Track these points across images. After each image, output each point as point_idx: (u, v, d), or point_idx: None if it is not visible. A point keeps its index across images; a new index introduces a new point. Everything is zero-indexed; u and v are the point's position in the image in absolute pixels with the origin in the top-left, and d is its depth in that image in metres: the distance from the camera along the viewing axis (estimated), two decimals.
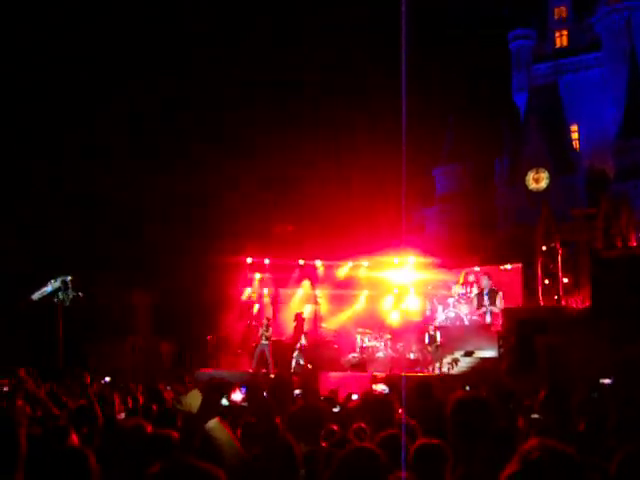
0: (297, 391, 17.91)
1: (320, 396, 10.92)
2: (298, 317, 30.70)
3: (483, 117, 59.80)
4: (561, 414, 6.00)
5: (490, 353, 28.08)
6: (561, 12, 64.31)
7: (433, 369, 28.11)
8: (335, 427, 6.78)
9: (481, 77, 61.14)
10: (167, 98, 59.34)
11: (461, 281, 34.12)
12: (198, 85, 61.98)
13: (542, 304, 31.71)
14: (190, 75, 61.70)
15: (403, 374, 26.20)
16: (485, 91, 62.20)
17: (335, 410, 8.97)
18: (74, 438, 5.62)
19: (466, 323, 32.27)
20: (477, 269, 34.09)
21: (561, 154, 53.72)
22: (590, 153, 56.63)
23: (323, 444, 5.85)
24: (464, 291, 33.48)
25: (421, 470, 4.30)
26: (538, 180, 53.67)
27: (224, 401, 7.20)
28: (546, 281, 32.80)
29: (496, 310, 30.73)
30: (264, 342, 28.62)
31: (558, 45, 63.91)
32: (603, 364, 19.15)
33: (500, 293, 31.59)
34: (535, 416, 7.38)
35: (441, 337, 28.90)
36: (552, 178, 53.24)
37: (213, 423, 4.90)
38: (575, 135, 60.10)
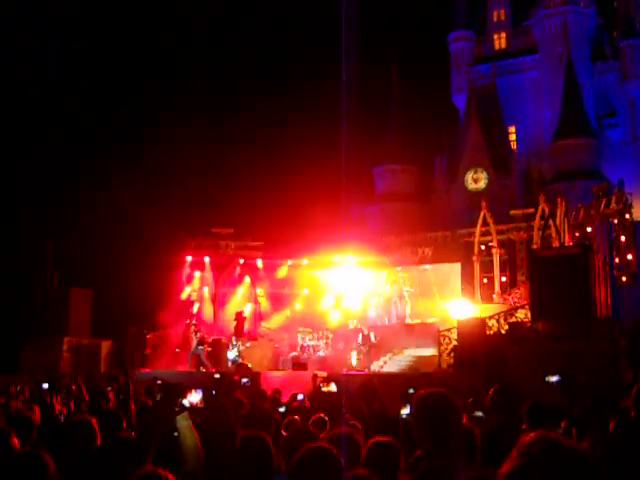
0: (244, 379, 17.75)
1: (266, 397, 10.77)
2: (238, 316, 30.49)
3: (423, 117, 60.34)
4: (510, 413, 5.97)
5: (430, 351, 28.26)
6: (500, 15, 65.22)
7: (367, 368, 28.23)
8: (297, 417, 6.70)
9: (421, 77, 61.60)
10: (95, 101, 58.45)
11: (391, 280, 34.43)
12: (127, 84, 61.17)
13: (481, 303, 32.05)
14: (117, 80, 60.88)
15: (344, 372, 26.23)
16: (425, 91, 62.73)
17: (281, 410, 8.85)
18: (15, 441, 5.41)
19: (393, 322, 32.60)
20: (399, 269, 34.47)
21: (499, 155, 54.50)
22: (527, 154, 57.58)
23: (284, 433, 5.80)
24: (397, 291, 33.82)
25: (375, 467, 4.27)
26: (477, 180, 54.34)
27: (185, 402, 7.09)
28: (484, 280, 33.21)
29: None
30: (199, 347, 28.52)
31: (497, 47, 64.82)
32: (542, 362, 19.42)
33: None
34: (479, 414, 7.37)
35: (376, 337, 29.08)
36: (490, 178, 53.96)
37: (184, 425, 4.73)
38: (513, 136, 61.01)
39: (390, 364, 29.94)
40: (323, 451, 3.66)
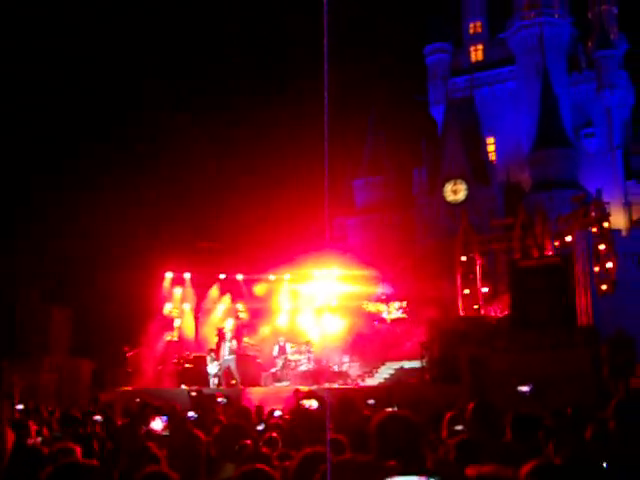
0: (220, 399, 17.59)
1: (249, 414, 10.66)
2: (220, 332, 30.31)
3: (402, 130, 60.50)
4: (490, 426, 5.92)
5: (413, 364, 28.26)
6: (476, 27, 65.53)
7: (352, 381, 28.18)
8: (248, 442, 6.59)
9: (398, 90, 61.81)
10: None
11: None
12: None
13: (462, 314, 32.07)
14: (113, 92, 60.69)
15: (326, 385, 26.14)
16: (403, 104, 62.92)
17: (259, 428, 8.75)
18: None
19: None
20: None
21: (478, 166, 54.64)
22: (506, 165, 57.78)
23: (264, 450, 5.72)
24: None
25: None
26: (456, 192, 54.44)
27: (155, 425, 6.86)
28: (466, 291, 33.21)
29: None
30: (229, 357, 28.13)
31: (474, 59, 65.07)
32: (524, 373, 19.41)
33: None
34: (459, 427, 7.31)
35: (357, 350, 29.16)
36: (470, 190, 54.07)
37: None
38: (491, 147, 61.22)
39: (377, 376, 29.99)
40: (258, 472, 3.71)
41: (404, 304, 36.72)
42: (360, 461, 3.62)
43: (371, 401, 20.64)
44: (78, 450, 5.10)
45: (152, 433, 6.74)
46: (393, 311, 36.75)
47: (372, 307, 36.62)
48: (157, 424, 6.93)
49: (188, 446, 5.14)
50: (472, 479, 3.90)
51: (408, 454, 3.96)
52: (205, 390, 25.02)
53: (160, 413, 7.69)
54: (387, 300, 37.21)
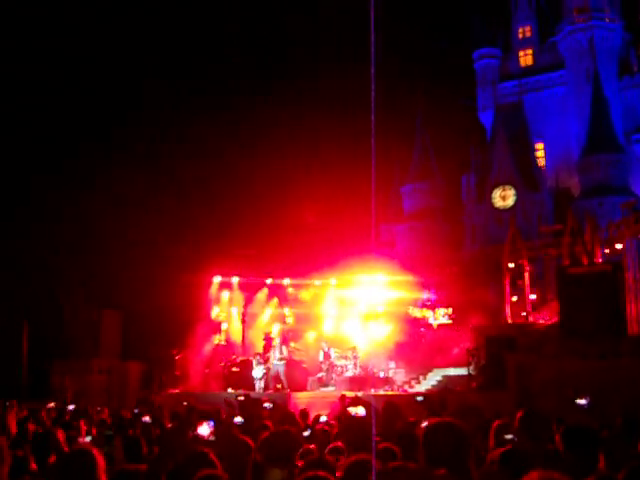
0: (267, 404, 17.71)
1: (295, 419, 10.71)
2: (267, 337, 30.45)
3: (450, 135, 60.20)
4: (539, 436, 5.89)
5: (459, 371, 28.09)
6: (525, 31, 65.05)
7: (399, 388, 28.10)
8: (312, 447, 6.62)
9: (446, 95, 61.53)
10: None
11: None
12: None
13: (510, 321, 31.81)
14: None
15: (372, 391, 26.10)
16: (451, 109, 62.62)
17: (305, 434, 8.79)
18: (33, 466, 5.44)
19: None
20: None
21: (527, 172, 54.19)
22: (555, 170, 57.18)
23: (298, 463, 5.72)
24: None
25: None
26: (505, 198, 54.04)
27: (202, 431, 6.91)
28: (514, 298, 32.95)
29: None
30: (279, 362, 28.25)
31: (523, 64, 64.59)
32: (574, 382, 19.17)
33: None
34: (509, 437, 7.26)
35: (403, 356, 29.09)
36: (519, 195, 53.65)
37: None
38: (540, 153, 60.66)
39: (424, 383, 29.88)
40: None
41: (450, 310, 36.54)
42: (410, 469, 3.65)
43: (420, 398, 20.64)
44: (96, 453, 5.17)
45: (199, 438, 6.82)
46: (439, 317, 36.58)
47: (418, 313, 36.49)
48: (204, 429, 6.98)
49: (235, 452, 5.21)
50: None
51: (454, 463, 3.97)
52: (252, 394, 25.15)
53: (207, 418, 7.74)
54: (433, 306, 37.06)
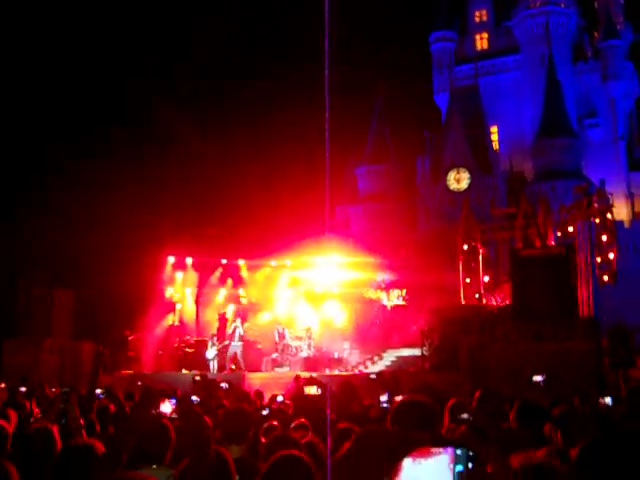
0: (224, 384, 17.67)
1: (249, 398, 10.72)
2: (221, 317, 30.37)
3: (406, 118, 60.39)
4: (496, 414, 5.94)
5: (414, 352, 28.31)
6: (482, 15, 65.31)
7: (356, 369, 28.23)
8: (275, 423, 6.62)
9: (403, 78, 61.68)
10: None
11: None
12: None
13: (464, 302, 32.10)
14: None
15: (326, 372, 26.22)
16: (407, 92, 62.82)
17: (264, 413, 8.79)
18: None
19: None
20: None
21: (481, 155, 54.54)
22: (509, 154, 57.65)
23: (262, 439, 5.73)
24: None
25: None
26: (459, 180, 54.37)
27: (164, 408, 6.92)
28: (467, 279, 33.23)
29: None
30: (238, 343, 28.22)
31: (479, 47, 64.89)
32: (526, 363, 19.45)
33: None
34: (465, 416, 7.31)
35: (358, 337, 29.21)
36: (473, 178, 54.00)
37: None
38: (495, 136, 61.12)
39: (379, 363, 30.05)
40: (294, 459, 3.64)
41: (404, 292, 36.77)
42: (390, 431, 3.62)
43: (373, 376, 20.81)
44: (55, 430, 5.12)
45: (162, 415, 6.79)
46: (393, 299, 36.80)
47: (372, 294, 36.68)
48: (166, 407, 6.99)
49: (196, 428, 5.22)
50: (516, 471, 3.75)
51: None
52: (208, 375, 25.09)
53: (168, 396, 7.74)
54: (387, 288, 37.26)
